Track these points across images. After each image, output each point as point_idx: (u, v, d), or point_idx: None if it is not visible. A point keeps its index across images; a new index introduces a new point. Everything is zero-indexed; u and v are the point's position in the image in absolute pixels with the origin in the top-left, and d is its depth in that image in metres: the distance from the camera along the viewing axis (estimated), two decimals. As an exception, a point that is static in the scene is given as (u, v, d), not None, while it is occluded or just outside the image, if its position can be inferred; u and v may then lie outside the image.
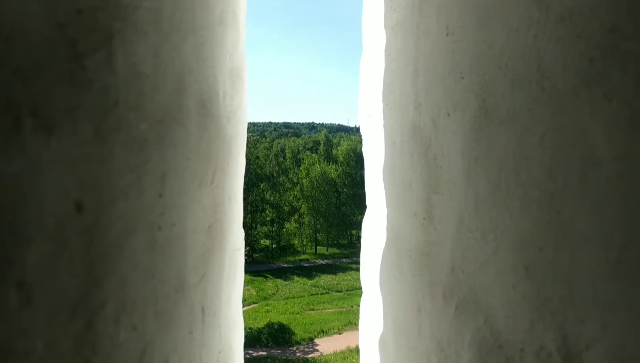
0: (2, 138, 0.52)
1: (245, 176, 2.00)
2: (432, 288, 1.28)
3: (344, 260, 53.70)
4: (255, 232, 51.58)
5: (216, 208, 1.41)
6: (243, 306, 2.13)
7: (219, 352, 1.57)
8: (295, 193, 57.17)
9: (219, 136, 1.39)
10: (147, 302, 0.83)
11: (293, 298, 41.81)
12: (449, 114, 1.21)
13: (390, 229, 1.81)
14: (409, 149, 1.56)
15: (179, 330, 1.03)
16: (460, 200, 1.13)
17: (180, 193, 1.00)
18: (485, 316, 0.98)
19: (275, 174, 57.70)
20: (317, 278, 47.26)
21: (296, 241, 56.77)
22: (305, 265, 52.11)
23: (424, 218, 1.38)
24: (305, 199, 56.86)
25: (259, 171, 54.45)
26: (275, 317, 35.89)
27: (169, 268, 0.94)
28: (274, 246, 54.77)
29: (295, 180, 59.29)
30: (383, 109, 1.88)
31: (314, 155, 66.32)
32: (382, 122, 1.93)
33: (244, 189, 2.00)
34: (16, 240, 0.54)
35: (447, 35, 1.22)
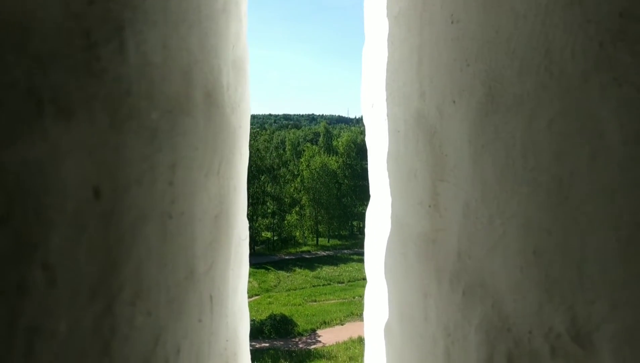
0: (25, 123, 0.53)
1: (245, 168, 2.00)
2: (438, 274, 1.29)
3: (345, 251, 53.79)
4: (257, 224, 51.64)
5: (222, 198, 1.42)
6: (244, 298, 2.14)
7: (227, 340, 1.58)
8: (296, 184, 57.17)
9: (224, 126, 1.39)
10: (160, 289, 0.84)
11: (295, 289, 41.94)
12: (454, 102, 1.21)
13: (395, 217, 1.81)
14: (413, 137, 1.56)
15: (190, 317, 1.04)
16: (467, 187, 1.14)
17: (189, 182, 1.01)
18: (493, 301, 0.99)
19: (275, 167, 57.66)
20: (318, 269, 47.37)
21: (297, 233, 56.85)
22: (307, 256, 52.22)
23: (429, 206, 1.39)
24: (306, 191, 56.86)
25: (259, 163, 54.41)
26: (278, 309, 36.03)
27: (179, 257, 0.95)
28: (275, 238, 54.86)
29: (296, 172, 59.27)
30: (386, 98, 1.88)
31: (314, 147, 66.23)
32: (385, 111, 1.93)
33: (243, 181, 2.01)
34: (40, 223, 0.55)
35: (452, 23, 1.22)
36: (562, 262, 0.78)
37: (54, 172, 0.56)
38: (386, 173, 1.92)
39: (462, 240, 1.16)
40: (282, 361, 29.04)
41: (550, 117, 0.81)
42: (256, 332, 31.21)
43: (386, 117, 1.92)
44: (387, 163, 1.90)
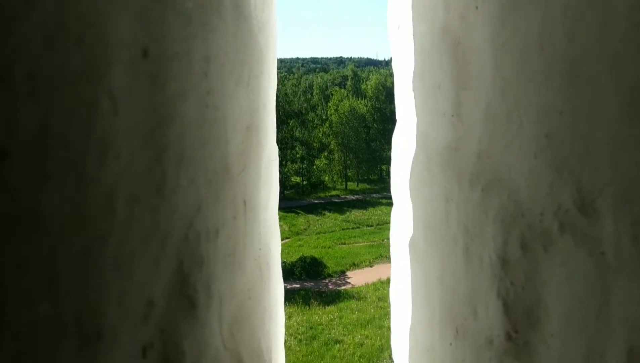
0: None
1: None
2: (459, 178, 1.34)
3: (374, 195, 54.04)
4: (286, 169, 52.09)
5: (252, 111, 1.48)
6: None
7: (259, 249, 1.69)
8: (325, 129, 57.01)
9: (251, 41, 1.44)
10: (199, 166, 0.93)
11: (325, 233, 42.65)
12: (477, 7, 1.23)
13: (420, 135, 1.86)
14: (438, 51, 1.59)
15: (225, 210, 1.13)
16: (487, 89, 1.17)
17: (221, 83, 1.07)
18: (509, 191, 1.05)
19: (304, 111, 57.37)
20: (348, 213, 47.90)
21: (326, 178, 57.21)
22: (336, 200, 52.73)
23: (452, 115, 1.43)
24: (334, 136, 56.73)
25: (287, 107, 54.17)
26: (308, 251, 36.81)
27: (215, 148, 1.03)
28: (305, 182, 55.35)
29: (324, 116, 58.98)
30: (412, 16, 1.89)
31: (342, 90, 65.47)
32: (411, 31, 1.94)
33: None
34: (105, 57, 0.63)
35: None
36: (571, 139, 0.83)
37: (113, 19, 0.64)
38: (412, 94, 1.95)
39: (483, 141, 1.21)
40: (313, 301, 29.96)
41: (565, 2, 0.83)
42: (287, 274, 32.09)
43: (412, 37, 1.93)
44: (413, 82, 1.92)
